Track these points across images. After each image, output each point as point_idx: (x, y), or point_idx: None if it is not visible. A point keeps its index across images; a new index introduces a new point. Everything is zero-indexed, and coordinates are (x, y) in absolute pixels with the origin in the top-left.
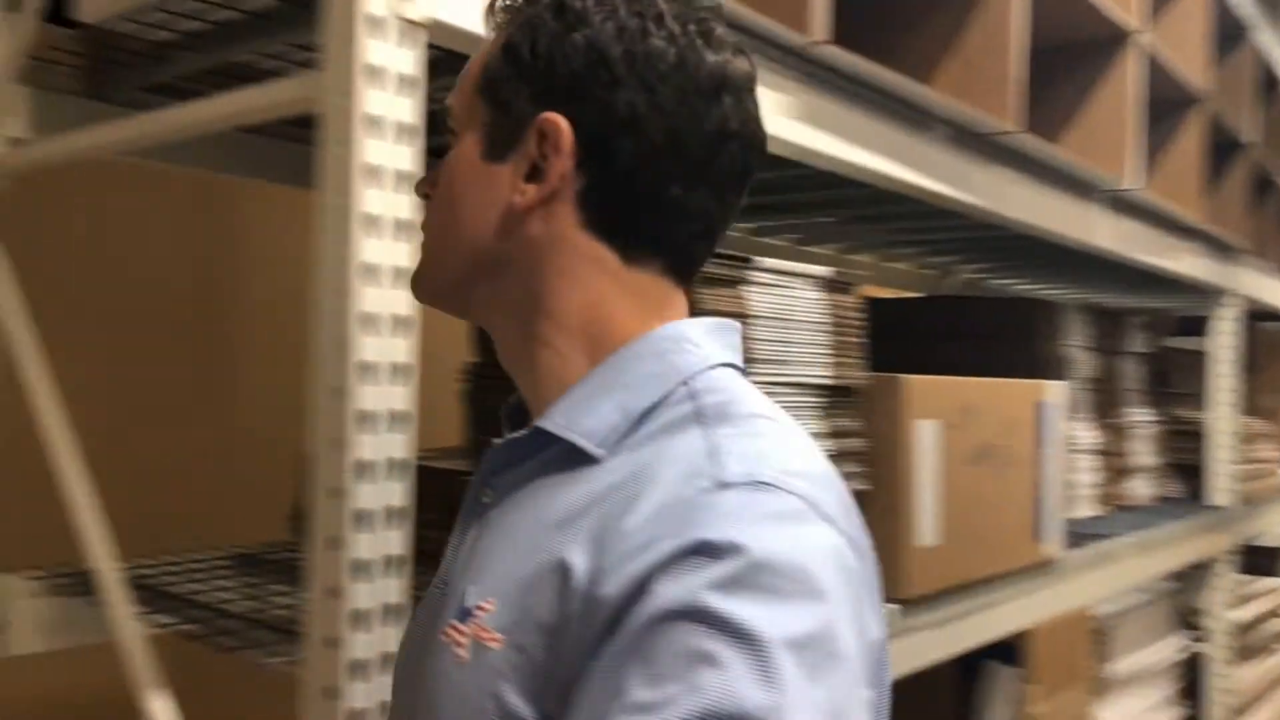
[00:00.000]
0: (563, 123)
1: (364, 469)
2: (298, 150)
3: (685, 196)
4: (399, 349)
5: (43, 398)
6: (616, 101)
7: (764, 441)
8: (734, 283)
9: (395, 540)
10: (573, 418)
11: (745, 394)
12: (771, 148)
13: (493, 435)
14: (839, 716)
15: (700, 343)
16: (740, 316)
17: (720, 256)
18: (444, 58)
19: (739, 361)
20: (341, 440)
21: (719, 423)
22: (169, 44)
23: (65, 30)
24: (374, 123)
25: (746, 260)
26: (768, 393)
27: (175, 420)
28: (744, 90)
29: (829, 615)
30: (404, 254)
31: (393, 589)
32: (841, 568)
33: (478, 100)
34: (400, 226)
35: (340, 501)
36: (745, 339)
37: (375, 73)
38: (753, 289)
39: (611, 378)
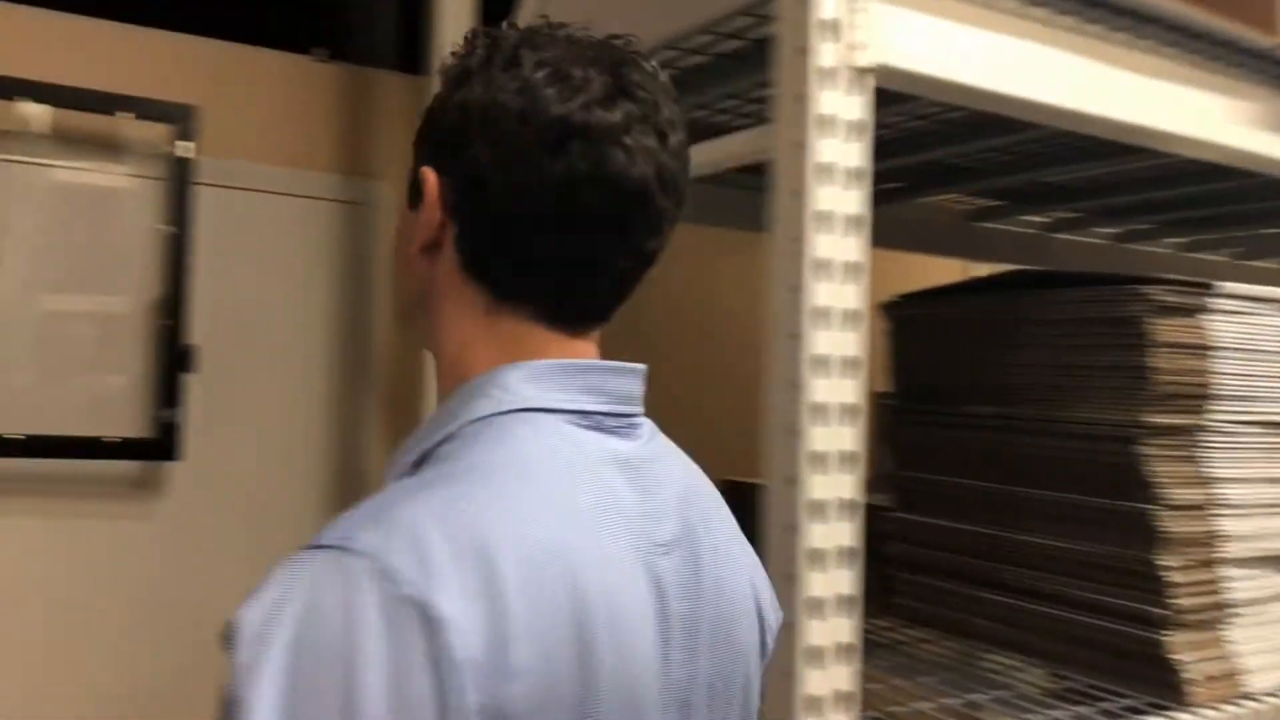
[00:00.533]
0: (430, 175)
1: (816, 509)
2: (741, 196)
3: (539, 243)
4: (848, 390)
5: None
6: (468, 156)
7: (423, 495)
8: (1191, 311)
9: (845, 579)
10: (396, 458)
11: (497, 445)
12: (1219, 158)
13: (909, 468)
14: None
15: (510, 387)
16: (1198, 349)
17: (1175, 283)
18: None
19: (581, 405)
20: (794, 479)
21: (426, 469)
22: None
23: None
24: (825, 170)
25: (1207, 286)
26: (1229, 432)
27: None
28: (602, 136)
29: (247, 682)
30: (853, 296)
31: (844, 629)
32: (368, 626)
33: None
34: (849, 269)
35: (792, 538)
36: (1205, 372)
37: (826, 122)
38: (1215, 317)
39: (432, 420)
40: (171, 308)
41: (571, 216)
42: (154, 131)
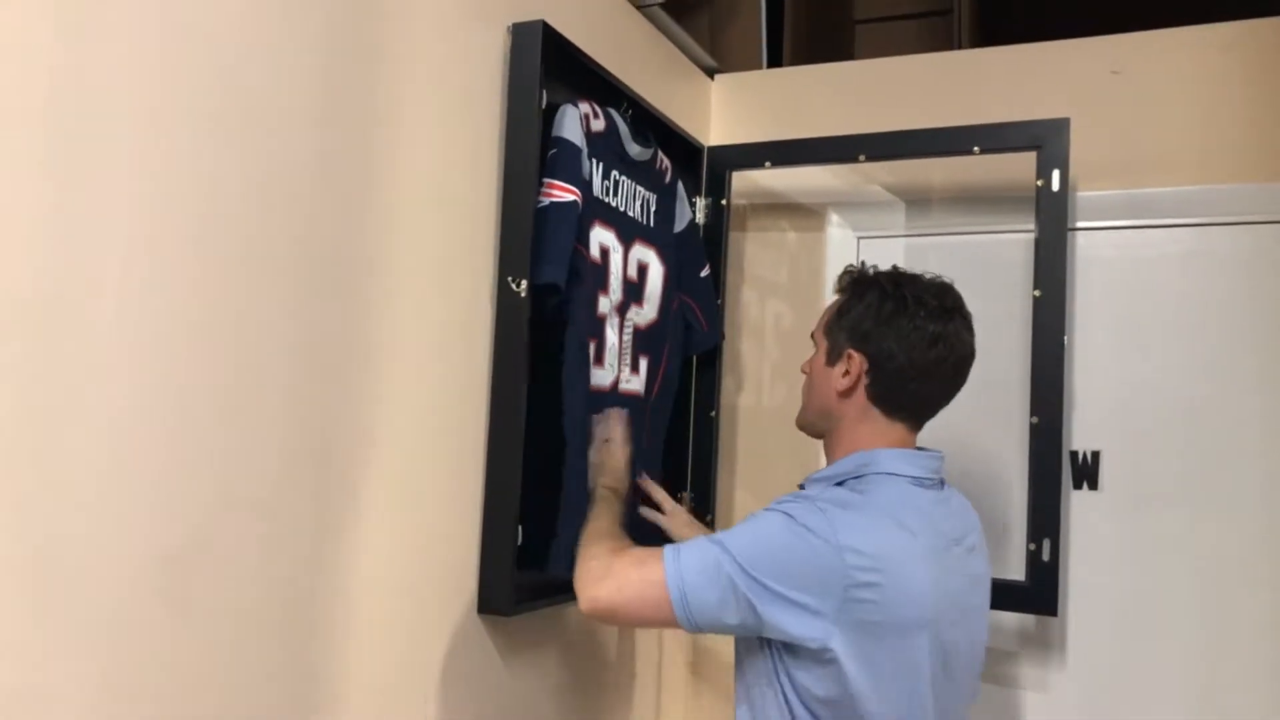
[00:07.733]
0: (855, 355)
1: None
2: None
3: (918, 389)
4: None
5: None
6: (882, 346)
7: (854, 508)
8: None
9: None
10: (818, 478)
11: (869, 487)
12: None
13: None
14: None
15: (880, 461)
16: None
17: None
18: None
19: (914, 472)
20: None
21: (842, 489)
22: None
23: None
24: None
25: None
26: None
27: None
28: (954, 340)
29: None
30: None
31: None
32: (811, 511)
33: (823, 333)
34: None
35: None
36: None
37: None
38: None
39: (839, 465)
40: (1048, 401)
41: (936, 376)
42: (1016, 165)
